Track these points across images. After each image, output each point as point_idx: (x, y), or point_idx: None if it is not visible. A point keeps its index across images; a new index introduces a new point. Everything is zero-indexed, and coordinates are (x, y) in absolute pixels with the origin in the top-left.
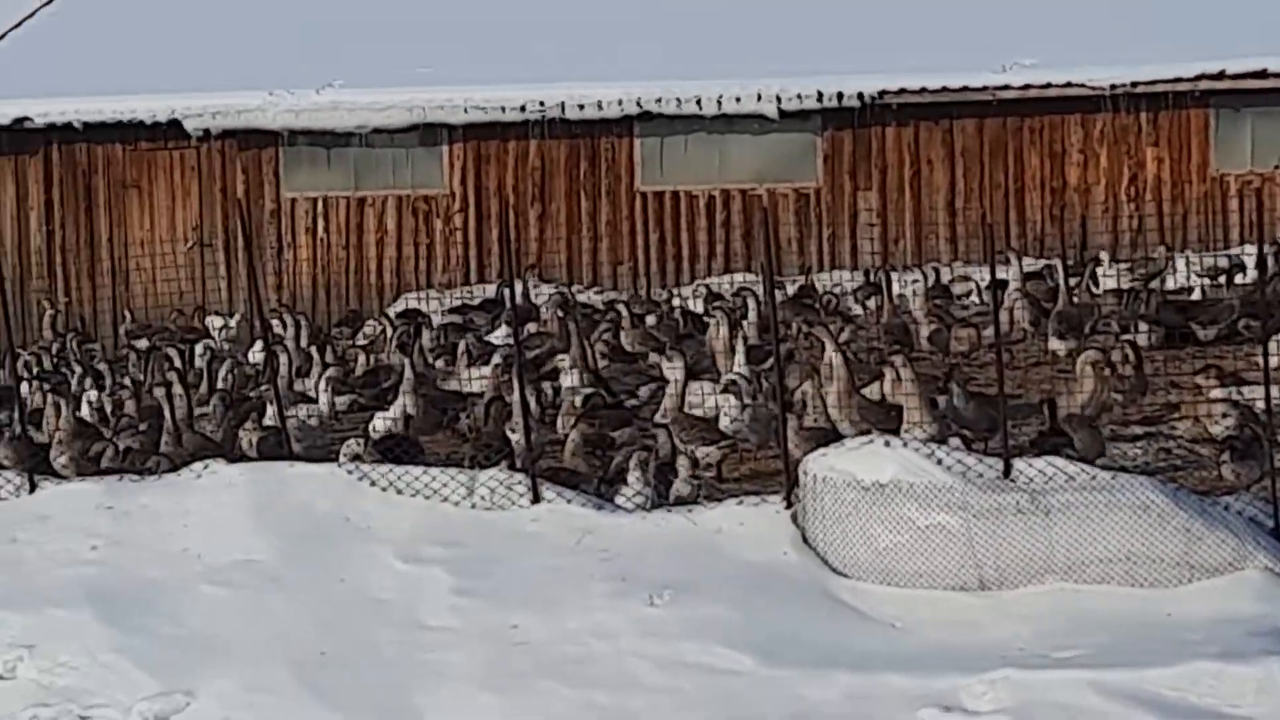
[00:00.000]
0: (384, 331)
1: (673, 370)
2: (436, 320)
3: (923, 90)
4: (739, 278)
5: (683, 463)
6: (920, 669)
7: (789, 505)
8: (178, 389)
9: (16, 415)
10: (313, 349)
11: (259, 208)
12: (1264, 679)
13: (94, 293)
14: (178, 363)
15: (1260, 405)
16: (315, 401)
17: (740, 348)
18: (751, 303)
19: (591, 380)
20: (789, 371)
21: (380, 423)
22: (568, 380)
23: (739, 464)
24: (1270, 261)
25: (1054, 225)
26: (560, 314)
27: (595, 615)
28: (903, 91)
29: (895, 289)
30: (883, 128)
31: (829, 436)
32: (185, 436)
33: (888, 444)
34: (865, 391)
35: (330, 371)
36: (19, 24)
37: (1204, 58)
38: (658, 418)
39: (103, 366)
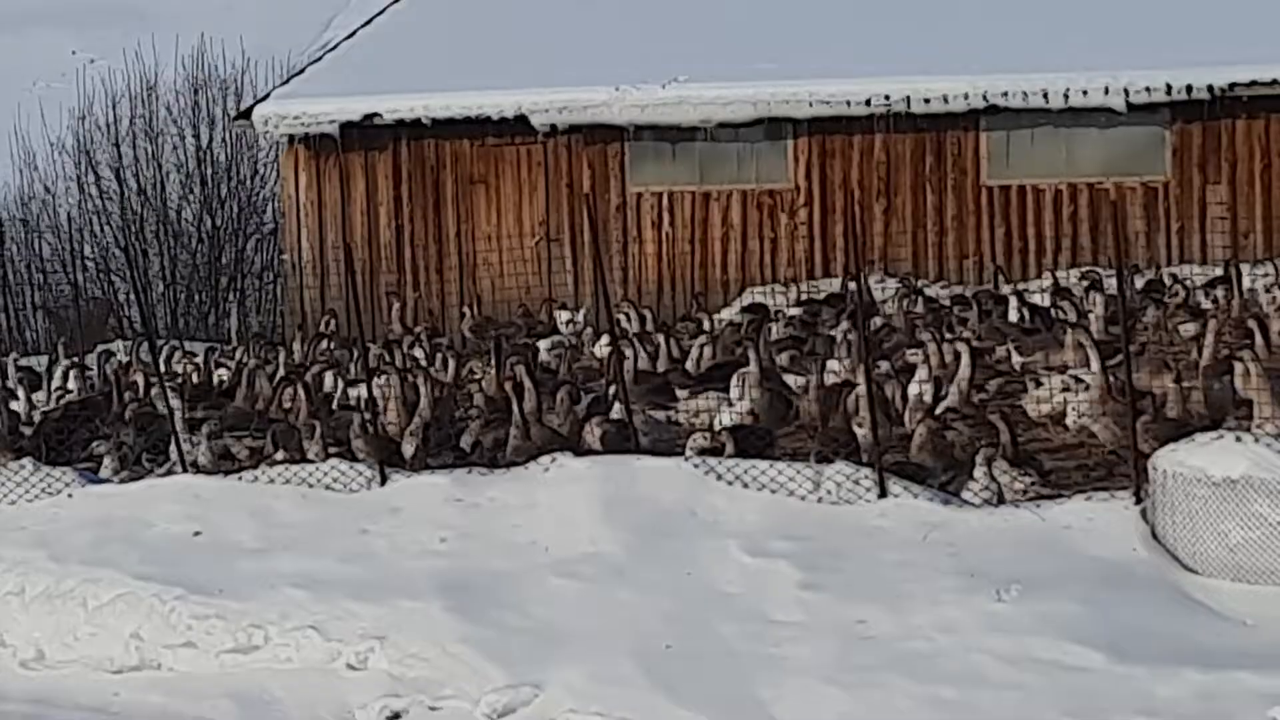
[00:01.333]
0: (723, 327)
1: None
2: (786, 314)
3: (1274, 82)
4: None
5: (981, 462)
6: (1273, 667)
7: (1138, 501)
8: (526, 382)
9: (369, 408)
10: (659, 341)
11: (605, 202)
12: None
13: (442, 287)
14: (520, 356)
15: None
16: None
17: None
18: (1099, 297)
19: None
20: (1139, 365)
21: (727, 417)
22: (918, 375)
23: (1087, 458)
24: None
25: None
26: (906, 308)
27: (942, 610)
28: (1254, 84)
29: (1245, 283)
30: (1233, 120)
31: (1179, 432)
32: (533, 430)
33: (1239, 439)
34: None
35: (750, 368)
36: (369, 21)
37: None
38: (944, 406)
39: (450, 359)
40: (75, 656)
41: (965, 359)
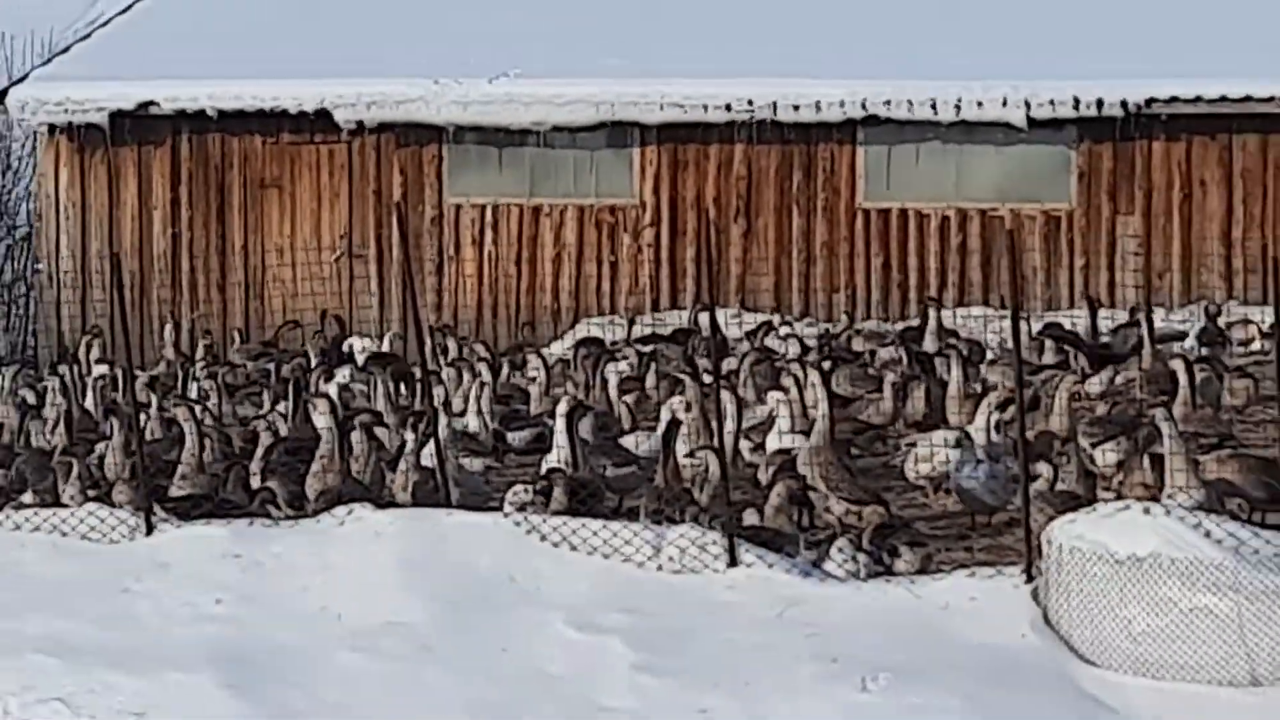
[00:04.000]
0: (548, 367)
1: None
2: (622, 350)
3: (1197, 99)
4: (975, 311)
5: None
6: None
7: (1029, 579)
8: (326, 419)
9: (129, 444)
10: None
11: (418, 214)
12: None
13: (225, 306)
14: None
15: None
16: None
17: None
18: (994, 342)
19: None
20: (1034, 421)
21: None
22: (779, 427)
23: (970, 528)
24: None
25: None
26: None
27: (799, 700)
28: (1174, 100)
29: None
30: (1149, 142)
31: (1079, 501)
32: (330, 476)
33: (1147, 511)
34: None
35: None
36: None
37: None
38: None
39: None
40: None
41: (822, 392)
